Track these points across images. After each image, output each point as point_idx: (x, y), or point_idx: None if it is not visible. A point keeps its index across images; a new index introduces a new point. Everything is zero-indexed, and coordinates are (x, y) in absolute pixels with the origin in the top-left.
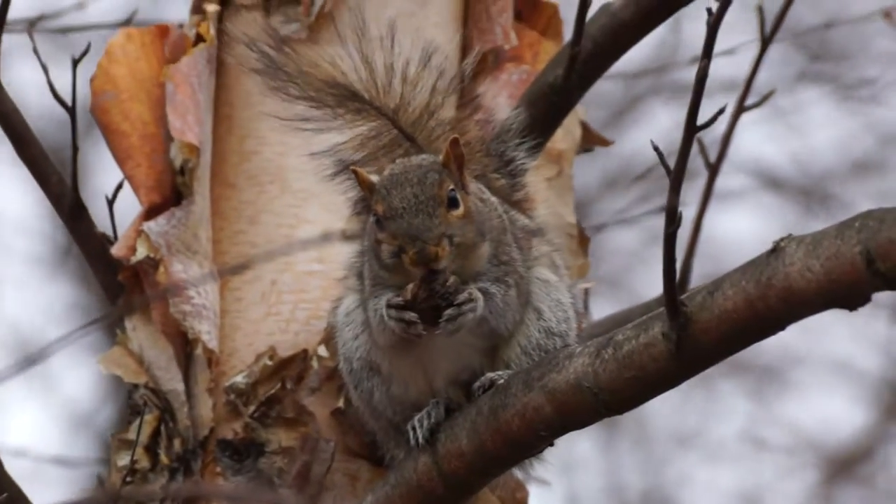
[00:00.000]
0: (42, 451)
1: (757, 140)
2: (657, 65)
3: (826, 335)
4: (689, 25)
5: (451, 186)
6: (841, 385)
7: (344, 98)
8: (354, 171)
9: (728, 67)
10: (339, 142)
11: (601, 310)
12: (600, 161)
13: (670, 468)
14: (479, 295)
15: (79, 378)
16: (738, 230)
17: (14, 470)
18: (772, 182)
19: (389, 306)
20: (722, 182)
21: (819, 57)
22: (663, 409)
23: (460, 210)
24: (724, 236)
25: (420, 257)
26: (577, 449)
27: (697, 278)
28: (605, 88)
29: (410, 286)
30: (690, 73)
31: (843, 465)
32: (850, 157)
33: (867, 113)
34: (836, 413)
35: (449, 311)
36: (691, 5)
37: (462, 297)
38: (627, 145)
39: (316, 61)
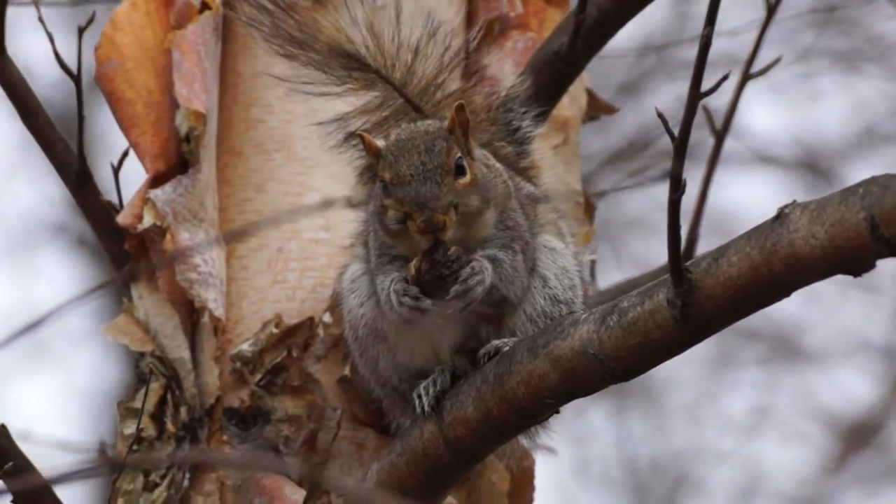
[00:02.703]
0: (53, 421)
1: (762, 112)
2: (663, 42)
3: (836, 307)
4: (695, 7)
5: (458, 154)
6: (852, 357)
7: (350, 66)
8: (361, 136)
9: (733, 44)
10: (345, 111)
11: (607, 277)
12: (606, 133)
13: (681, 439)
14: (486, 265)
15: (87, 347)
16: (743, 200)
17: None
18: (776, 153)
19: (395, 290)
20: (727, 152)
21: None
22: (674, 378)
23: (467, 178)
24: (730, 206)
25: (427, 225)
26: (588, 419)
27: (704, 248)
28: (609, 64)
29: (413, 262)
30: (695, 51)
31: (855, 435)
32: (855, 129)
33: (872, 86)
34: (849, 384)
35: (456, 288)
36: None
37: (466, 271)
38: (633, 118)
39: (322, 28)
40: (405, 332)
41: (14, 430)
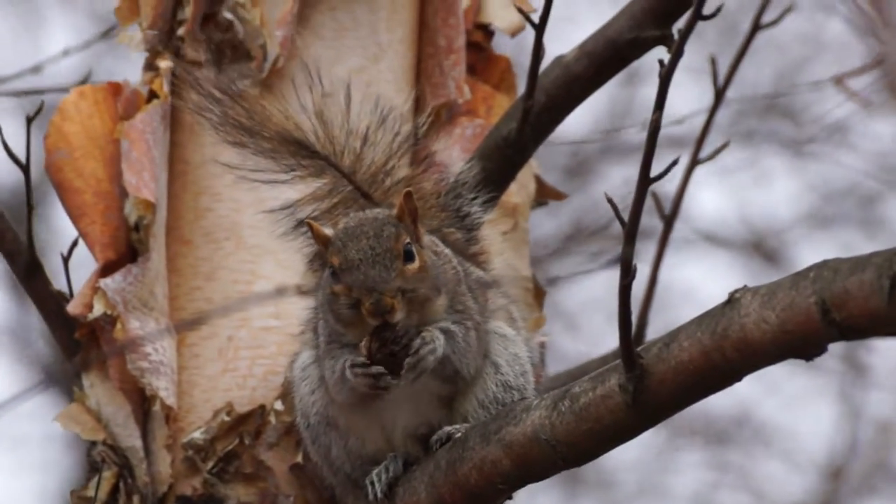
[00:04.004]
0: None
1: (710, 195)
2: (610, 127)
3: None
4: (643, 90)
5: (407, 240)
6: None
7: (299, 153)
8: (309, 224)
9: (680, 130)
10: (294, 198)
11: (558, 363)
12: (555, 217)
13: None
14: (438, 335)
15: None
16: (693, 284)
17: None
18: (725, 237)
19: (354, 365)
20: (676, 236)
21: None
22: (625, 463)
23: (416, 263)
24: (679, 290)
25: (376, 308)
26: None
27: (654, 333)
28: (558, 150)
29: (363, 343)
30: (643, 136)
31: None
32: (801, 212)
33: (816, 170)
34: (788, 473)
35: (409, 360)
36: (642, 65)
37: (417, 342)
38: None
39: (271, 115)
40: (356, 419)
41: None
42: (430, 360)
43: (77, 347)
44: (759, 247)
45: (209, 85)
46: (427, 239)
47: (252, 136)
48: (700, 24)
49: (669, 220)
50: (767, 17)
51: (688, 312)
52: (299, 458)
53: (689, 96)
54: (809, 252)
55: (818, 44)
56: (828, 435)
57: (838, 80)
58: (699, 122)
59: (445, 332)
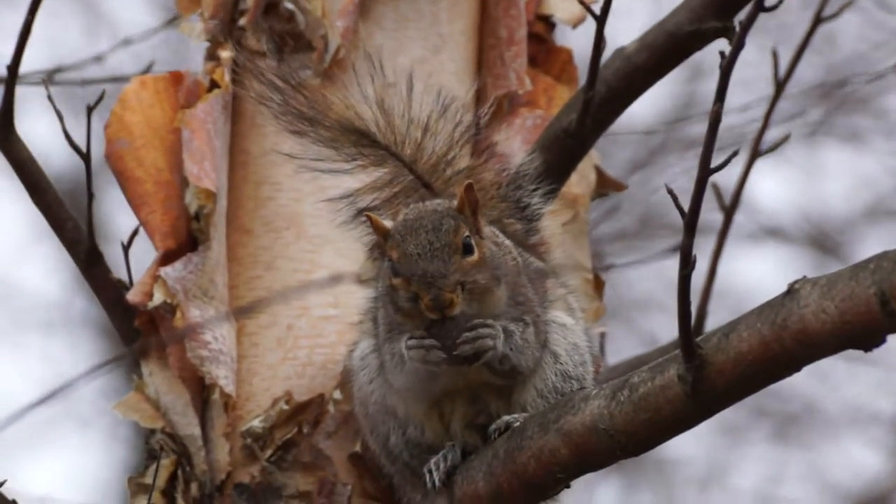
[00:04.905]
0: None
1: (770, 186)
2: (672, 119)
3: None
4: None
5: (466, 233)
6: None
7: (360, 143)
8: (368, 217)
9: (741, 119)
10: (354, 187)
11: (617, 354)
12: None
13: None
14: (499, 329)
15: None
16: (753, 275)
17: None
18: (785, 229)
19: (411, 338)
20: (736, 228)
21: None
22: (685, 453)
23: (475, 256)
24: (739, 281)
25: (435, 303)
26: (597, 493)
27: (714, 325)
28: (618, 141)
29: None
30: (704, 127)
31: None
32: (861, 204)
33: (876, 161)
34: (856, 458)
35: (466, 334)
36: (704, 53)
37: (478, 323)
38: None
39: (332, 105)
40: (415, 408)
41: (32, 496)
42: (488, 343)
43: (136, 336)
44: (820, 239)
45: (271, 74)
46: (487, 230)
47: (313, 125)
48: (761, 17)
49: (729, 211)
50: (828, 11)
51: (747, 304)
52: (357, 448)
53: (751, 87)
54: (870, 244)
55: (881, 35)
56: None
57: None
58: (760, 111)
59: (504, 330)
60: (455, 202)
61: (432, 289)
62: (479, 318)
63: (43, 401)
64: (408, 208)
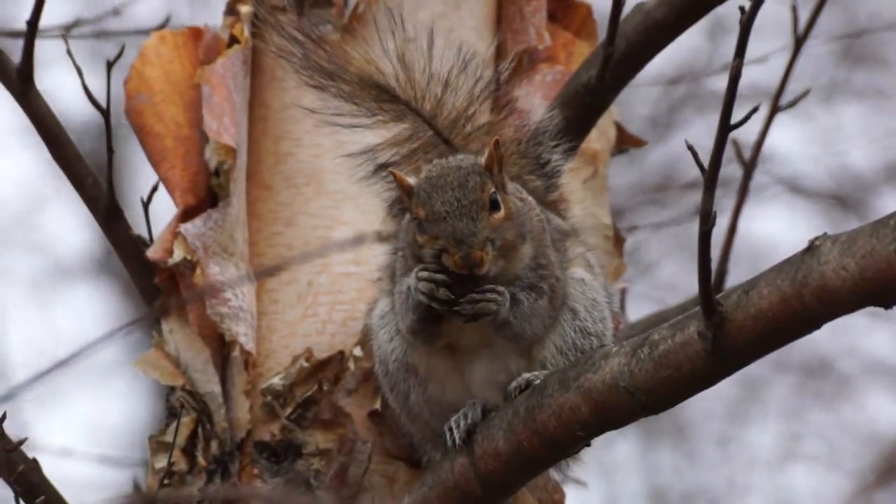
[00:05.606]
0: (84, 452)
1: (790, 142)
2: (691, 73)
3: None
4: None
5: (493, 189)
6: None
7: (380, 98)
8: (392, 173)
9: (760, 73)
10: (374, 143)
11: (637, 311)
12: (635, 167)
13: (711, 470)
14: (507, 297)
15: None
16: (773, 232)
17: (55, 471)
18: (806, 185)
19: (423, 269)
20: (756, 184)
21: (853, 62)
22: (705, 410)
23: (501, 212)
24: (759, 240)
25: (465, 261)
26: (618, 451)
27: (734, 282)
28: (638, 97)
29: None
30: (724, 83)
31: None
32: (883, 160)
33: None
34: (880, 411)
35: (472, 295)
36: (725, 9)
37: (489, 287)
38: (661, 152)
39: (352, 59)
40: (436, 366)
41: (53, 448)
42: (490, 307)
43: (157, 293)
44: (841, 195)
45: (291, 28)
46: (511, 186)
47: (333, 79)
48: None
49: (749, 167)
50: None
51: (768, 261)
52: (378, 405)
53: (771, 39)
54: (890, 200)
55: None
56: None
57: None
58: (780, 65)
59: (512, 297)
60: (477, 157)
61: (462, 246)
62: (502, 276)
63: (64, 362)
64: (430, 164)
